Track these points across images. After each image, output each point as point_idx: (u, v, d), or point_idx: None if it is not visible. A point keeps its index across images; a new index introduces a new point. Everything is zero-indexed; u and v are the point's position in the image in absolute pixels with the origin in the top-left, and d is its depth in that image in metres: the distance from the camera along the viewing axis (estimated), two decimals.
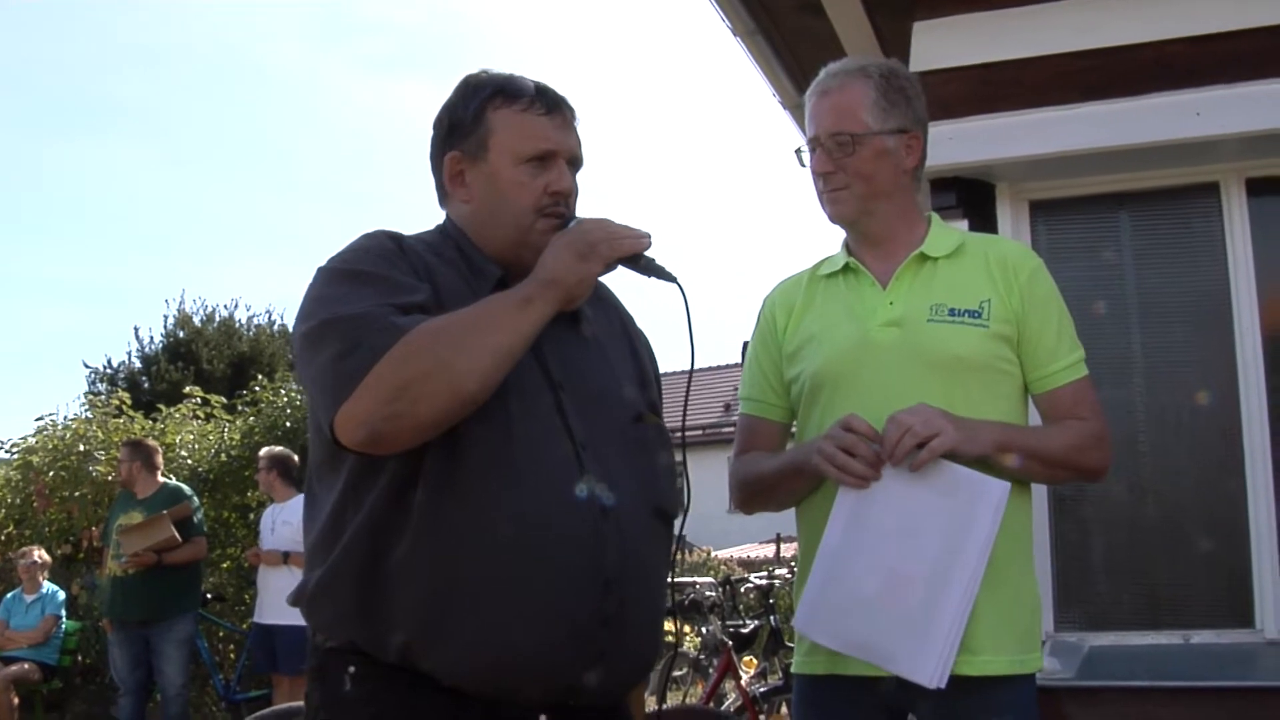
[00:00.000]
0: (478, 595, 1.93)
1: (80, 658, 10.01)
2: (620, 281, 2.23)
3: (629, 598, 2.03)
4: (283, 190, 50.51)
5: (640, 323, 2.44)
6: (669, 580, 2.27)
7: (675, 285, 2.12)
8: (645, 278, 2.11)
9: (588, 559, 1.98)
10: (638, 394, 2.25)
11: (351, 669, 2.00)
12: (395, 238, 2.12)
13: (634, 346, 2.34)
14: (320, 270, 2.07)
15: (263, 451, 8.44)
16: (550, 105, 2.15)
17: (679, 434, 2.34)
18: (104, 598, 7.81)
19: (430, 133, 2.24)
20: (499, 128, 2.13)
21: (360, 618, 1.98)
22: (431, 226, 2.26)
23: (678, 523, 2.25)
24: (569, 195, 2.15)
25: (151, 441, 8.62)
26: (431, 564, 1.94)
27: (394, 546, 1.96)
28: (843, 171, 2.51)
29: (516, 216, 2.13)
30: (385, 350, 1.88)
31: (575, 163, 2.19)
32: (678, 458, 2.30)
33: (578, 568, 1.97)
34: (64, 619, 9.58)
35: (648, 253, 2.10)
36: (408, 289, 2.00)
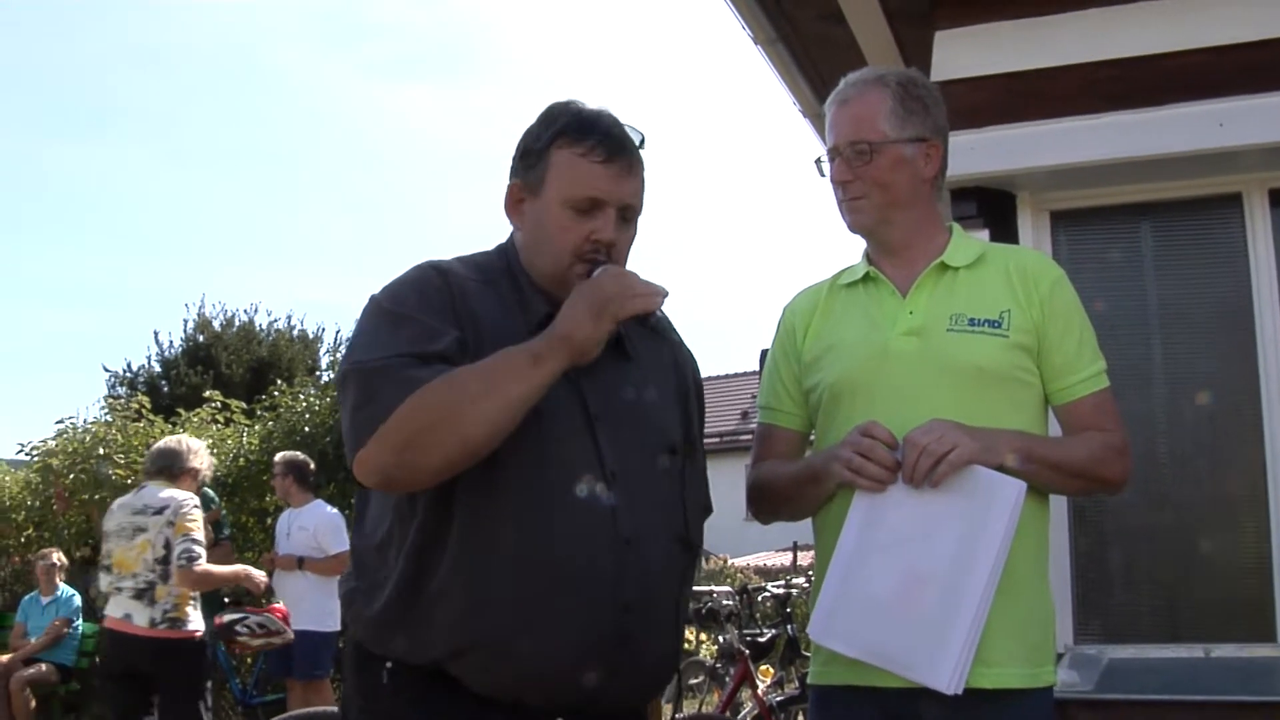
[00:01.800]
0: (506, 619, 2.05)
1: (98, 660, 10.05)
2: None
3: (646, 621, 2.13)
4: (288, 191, 50.62)
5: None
6: (687, 603, 2.38)
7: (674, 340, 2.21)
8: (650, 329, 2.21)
9: (609, 586, 2.08)
10: (677, 420, 2.32)
11: (389, 664, 2.13)
12: (443, 271, 2.19)
13: (680, 372, 2.40)
14: (370, 301, 2.18)
15: (278, 457, 8.46)
16: (611, 152, 2.18)
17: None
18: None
19: (516, 147, 2.29)
20: (557, 167, 2.18)
21: (398, 631, 2.11)
22: (492, 246, 2.34)
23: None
24: (611, 245, 2.19)
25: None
26: (465, 587, 2.06)
27: (432, 568, 2.08)
28: (861, 180, 2.51)
29: (556, 257, 2.19)
30: (399, 403, 1.99)
31: (629, 211, 2.22)
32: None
33: (599, 595, 2.08)
34: (79, 621, 9.61)
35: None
36: (435, 335, 2.08)
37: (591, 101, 2.26)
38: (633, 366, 2.28)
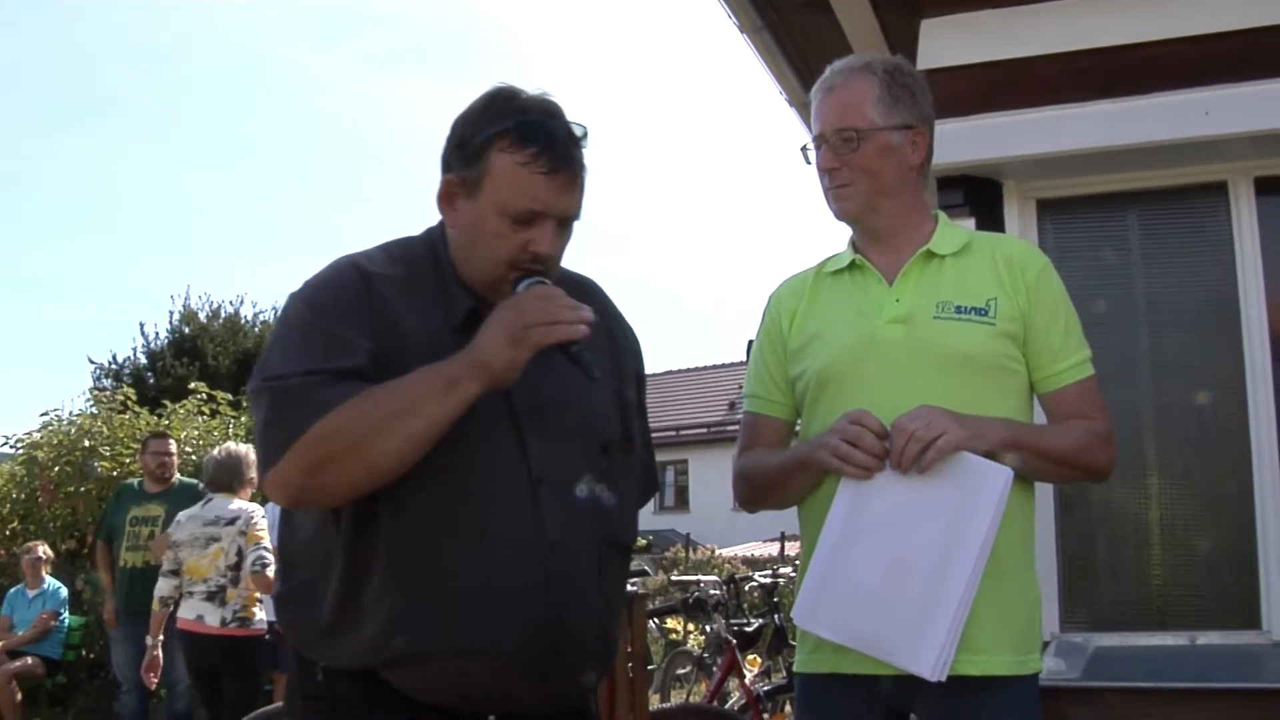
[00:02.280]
0: (431, 631, 2.03)
1: (84, 653, 10.02)
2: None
3: (576, 626, 2.10)
4: (287, 186, 50.63)
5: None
6: (620, 606, 2.35)
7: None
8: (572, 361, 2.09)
9: (535, 597, 2.04)
10: (611, 412, 2.26)
11: (322, 664, 2.13)
12: (365, 275, 2.12)
13: (618, 357, 2.33)
14: (289, 299, 2.14)
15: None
16: (555, 163, 2.07)
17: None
18: (122, 589, 7.75)
19: (448, 130, 2.19)
20: (497, 172, 2.07)
21: (329, 641, 2.10)
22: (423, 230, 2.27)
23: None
24: (548, 258, 2.12)
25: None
26: (391, 599, 2.04)
27: (359, 579, 2.06)
28: (847, 168, 2.50)
29: (491, 265, 2.11)
30: (309, 426, 1.95)
31: (568, 221, 2.15)
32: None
33: (527, 603, 2.04)
34: (66, 614, 9.58)
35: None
36: (349, 349, 2.02)
37: (535, 88, 2.16)
38: (565, 358, 2.15)
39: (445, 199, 2.16)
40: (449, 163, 2.15)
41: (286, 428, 1.97)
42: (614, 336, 2.35)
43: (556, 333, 1.99)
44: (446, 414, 1.97)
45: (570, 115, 2.15)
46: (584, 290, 2.30)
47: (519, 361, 1.99)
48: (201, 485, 8.28)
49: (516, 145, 2.06)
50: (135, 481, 8.29)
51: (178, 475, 8.25)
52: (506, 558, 2.04)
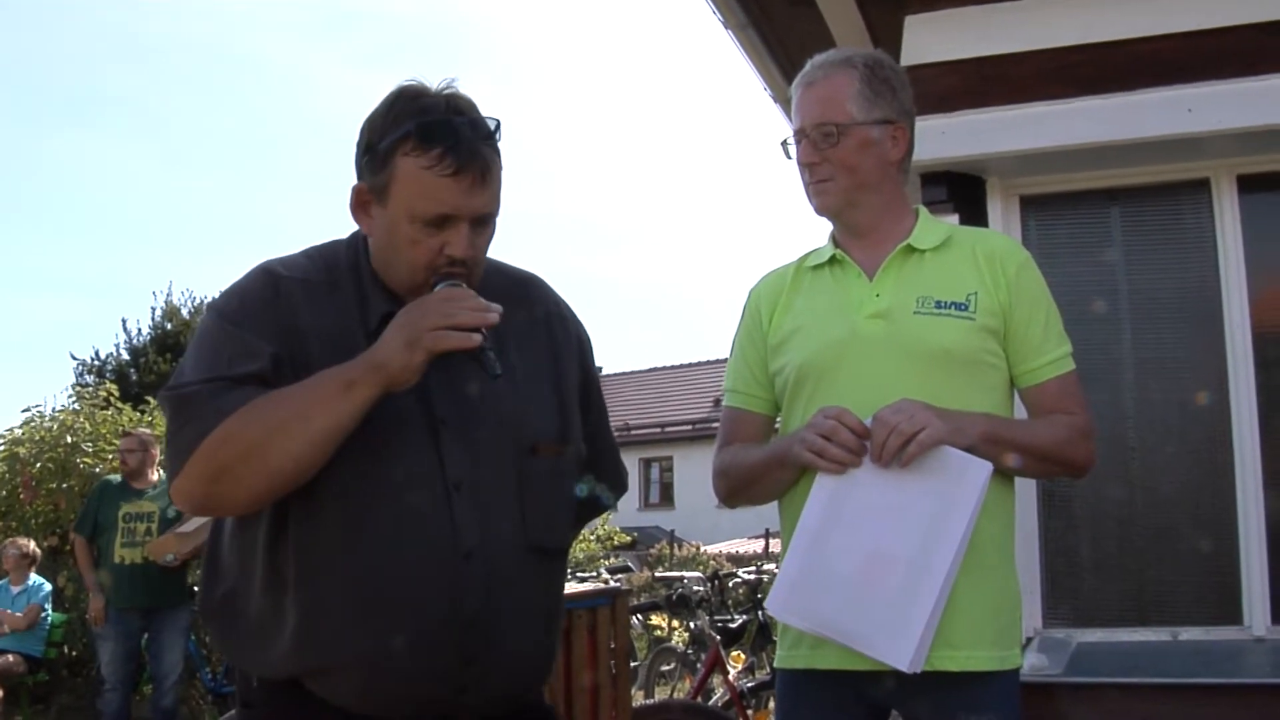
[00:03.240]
0: (344, 638, 2.01)
1: (67, 650, 9.98)
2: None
3: (497, 635, 2.06)
4: (271, 182, 50.57)
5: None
6: (554, 611, 2.27)
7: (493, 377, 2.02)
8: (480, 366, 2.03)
9: (445, 604, 2.01)
10: (546, 414, 2.20)
11: (255, 679, 2.12)
12: (276, 279, 2.09)
13: (557, 356, 2.27)
14: (206, 308, 2.16)
15: None
16: (461, 163, 1.99)
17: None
18: (112, 585, 7.72)
19: (357, 134, 2.12)
20: (402, 178, 2.01)
21: (250, 652, 2.10)
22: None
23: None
24: (464, 260, 2.05)
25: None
26: (302, 610, 2.02)
27: (271, 588, 2.04)
28: (827, 163, 2.49)
29: (410, 271, 2.06)
30: (207, 434, 1.93)
31: (482, 220, 2.07)
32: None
33: (436, 612, 2.01)
34: (49, 611, 9.54)
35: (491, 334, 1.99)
36: (251, 354, 2.00)
37: (443, 80, 2.08)
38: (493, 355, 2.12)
39: (358, 208, 2.11)
40: (359, 169, 2.10)
41: (184, 437, 1.96)
42: (554, 334, 2.29)
43: (450, 341, 1.93)
44: (344, 416, 1.93)
45: (481, 109, 2.08)
46: (524, 288, 2.28)
47: (415, 364, 1.94)
48: None
49: (420, 148, 1.99)
50: (115, 477, 8.25)
51: (161, 471, 8.22)
52: (418, 566, 2.00)
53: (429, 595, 2.00)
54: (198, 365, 2.02)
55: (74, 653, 10.01)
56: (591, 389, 2.35)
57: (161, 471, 8.21)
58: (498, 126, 2.07)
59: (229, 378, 1.98)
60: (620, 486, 2.43)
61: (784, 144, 2.59)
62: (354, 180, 2.11)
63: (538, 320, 2.27)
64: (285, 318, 2.05)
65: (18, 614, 9.25)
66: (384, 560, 1.99)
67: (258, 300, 2.06)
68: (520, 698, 2.21)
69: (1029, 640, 3.79)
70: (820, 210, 2.56)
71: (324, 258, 2.16)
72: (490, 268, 2.17)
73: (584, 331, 2.37)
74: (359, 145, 2.10)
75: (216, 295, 2.15)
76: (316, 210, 48.49)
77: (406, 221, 2.02)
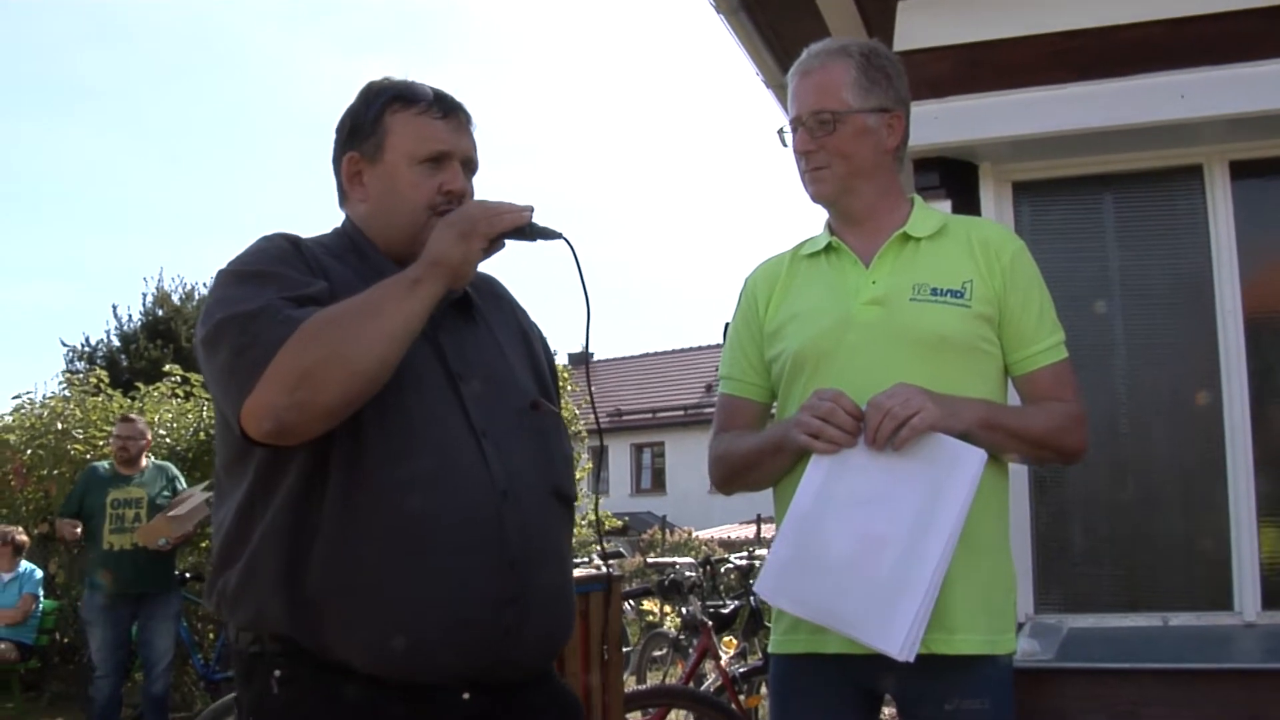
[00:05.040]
0: (386, 584, 1.99)
1: (59, 637, 9.97)
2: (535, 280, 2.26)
3: (534, 577, 2.10)
4: (255, 169, 50.39)
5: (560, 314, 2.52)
6: (571, 562, 2.34)
7: (564, 241, 2.14)
8: (533, 242, 2.13)
9: (491, 542, 2.05)
10: (532, 382, 2.31)
11: (277, 672, 2.04)
12: (292, 239, 2.17)
13: (528, 339, 2.40)
14: (219, 274, 2.11)
15: None
16: (446, 110, 2.22)
17: (597, 421, 2.42)
18: (105, 570, 7.69)
19: (333, 136, 2.29)
20: (396, 130, 2.19)
21: (283, 611, 2.01)
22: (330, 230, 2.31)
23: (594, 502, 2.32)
24: (462, 195, 2.20)
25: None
26: (342, 555, 1.99)
27: (309, 539, 2.01)
28: (824, 150, 2.50)
29: (411, 214, 2.18)
30: (282, 342, 1.92)
31: (470, 165, 2.25)
32: (579, 427, 2.37)
33: (482, 551, 2.04)
34: (41, 598, 9.53)
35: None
36: (302, 283, 2.05)
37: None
38: (482, 327, 2.28)
39: (352, 179, 2.24)
40: (346, 148, 2.24)
41: (259, 347, 1.93)
42: (520, 321, 2.43)
43: (506, 220, 2.06)
44: (414, 314, 1.98)
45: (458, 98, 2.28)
46: (490, 287, 2.40)
47: (473, 255, 2.04)
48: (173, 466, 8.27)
49: (407, 102, 2.20)
50: (103, 464, 8.21)
51: (150, 458, 8.21)
52: (466, 505, 2.04)
53: (480, 533, 2.04)
54: (242, 299, 2.00)
55: (66, 640, 10.01)
56: (555, 379, 2.47)
57: (150, 458, 8.19)
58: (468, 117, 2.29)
59: (289, 298, 2.00)
60: None
61: (780, 132, 2.60)
62: (334, 179, 2.27)
63: (506, 310, 2.41)
64: (314, 266, 2.11)
65: (8, 609, 9.23)
66: (434, 499, 2.02)
67: (285, 251, 2.12)
68: (549, 657, 2.25)
69: (1020, 626, 3.80)
70: (816, 198, 2.57)
71: (318, 240, 2.23)
72: None
73: (543, 334, 2.51)
74: (340, 132, 2.26)
75: (230, 263, 2.11)
76: (301, 196, 48.45)
77: (406, 165, 2.18)
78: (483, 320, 2.29)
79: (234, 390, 1.96)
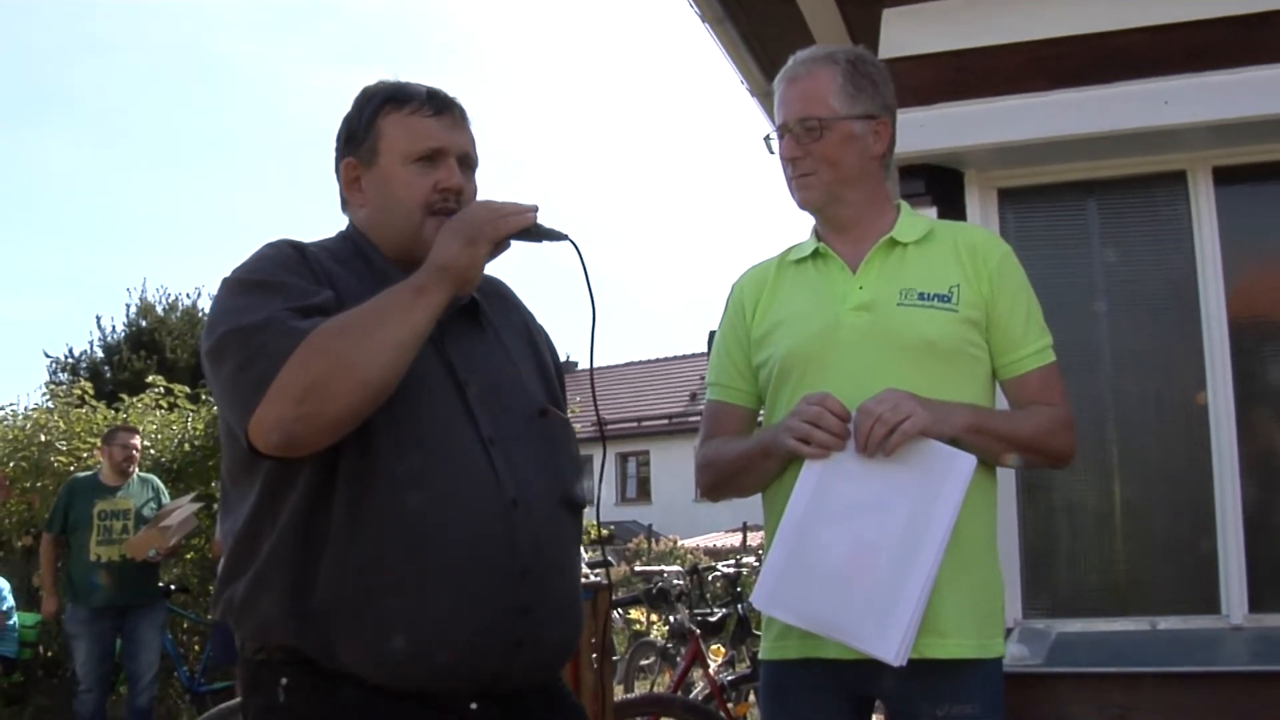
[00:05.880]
0: (394, 595, 1.98)
1: (42, 650, 9.90)
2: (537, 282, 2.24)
3: (544, 585, 2.09)
4: (243, 179, 50.29)
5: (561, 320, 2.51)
6: (580, 569, 2.33)
7: (569, 243, 2.13)
8: (539, 243, 2.12)
9: (501, 550, 2.04)
10: (540, 388, 2.30)
11: (284, 680, 2.02)
12: (297, 246, 2.15)
13: (535, 344, 2.39)
14: (224, 282, 2.10)
15: None
16: (439, 107, 2.20)
17: (598, 428, 2.41)
18: (86, 584, 7.63)
19: (334, 144, 2.28)
20: (389, 131, 2.18)
21: (290, 622, 2.00)
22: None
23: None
24: (458, 191, 2.17)
25: None
26: (351, 566, 1.98)
27: (316, 550, 2.00)
28: (810, 157, 2.51)
29: (407, 214, 2.17)
30: (288, 354, 1.91)
31: (467, 161, 2.23)
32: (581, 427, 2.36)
33: (492, 560, 2.03)
34: (13, 611, 9.40)
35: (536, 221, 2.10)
36: (308, 293, 2.03)
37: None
38: (490, 333, 2.27)
39: (349, 184, 2.24)
40: (343, 154, 2.24)
41: (265, 360, 1.92)
42: (529, 327, 2.41)
43: (511, 223, 2.04)
44: (419, 322, 1.97)
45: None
46: (500, 287, 2.40)
47: (480, 259, 2.02)
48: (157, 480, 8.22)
49: (398, 103, 2.19)
50: (87, 475, 8.15)
51: (136, 470, 8.16)
52: (475, 515, 2.02)
53: (488, 541, 2.02)
54: (247, 310, 1.99)
55: (50, 653, 9.93)
56: (563, 390, 2.45)
57: (135, 470, 8.14)
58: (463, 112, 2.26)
59: (295, 309, 1.98)
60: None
61: (766, 139, 2.61)
62: (331, 189, 2.25)
63: (514, 314, 2.39)
64: (321, 275, 2.09)
65: None
66: (442, 509, 2.00)
67: (290, 259, 2.11)
68: (559, 666, 2.23)
69: (1009, 631, 3.80)
70: (803, 204, 2.57)
71: (323, 245, 2.22)
72: None
73: (550, 339, 2.48)
74: (338, 140, 2.25)
75: (234, 271, 2.10)
76: (285, 207, 48.33)
77: (400, 165, 2.16)
78: (490, 326, 2.28)
79: (240, 404, 1.95)
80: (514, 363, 2.26)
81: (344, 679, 1.98)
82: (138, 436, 8.11)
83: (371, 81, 2.27)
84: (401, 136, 2.17)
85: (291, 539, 2.01)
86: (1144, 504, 4.06)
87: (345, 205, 2.28)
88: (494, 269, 2.18)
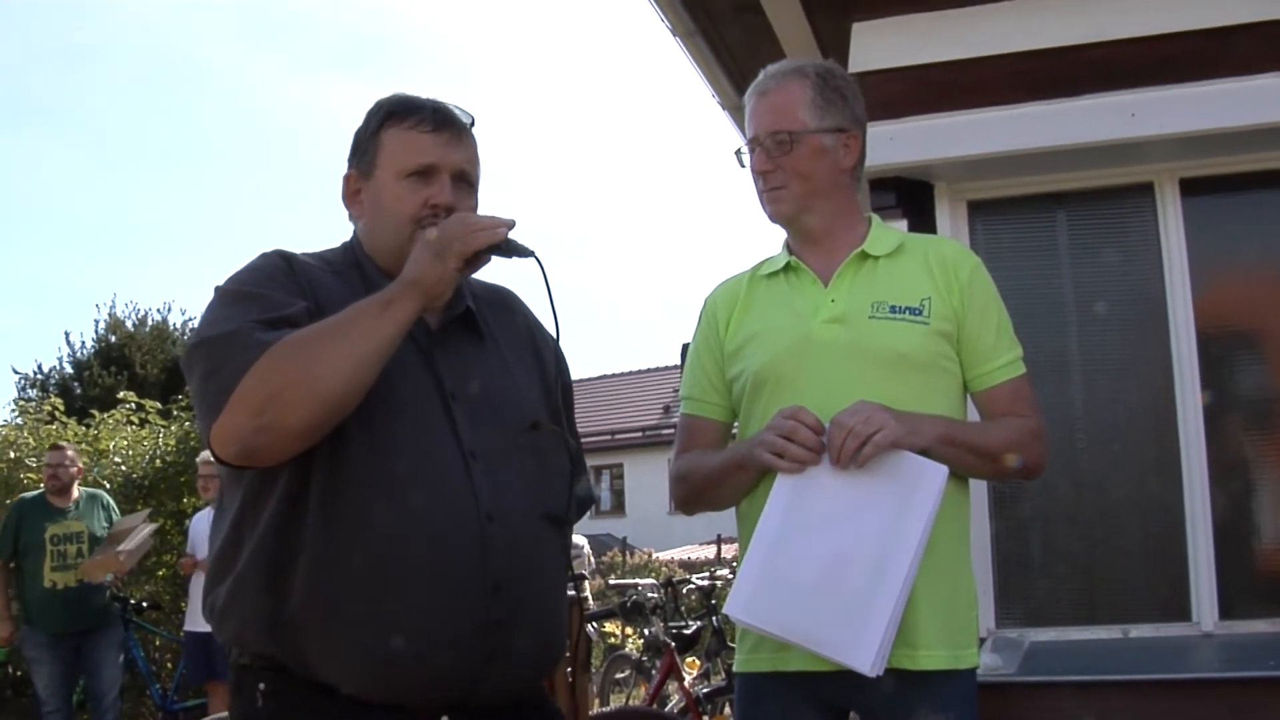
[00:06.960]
0: (366, 605, 1.98)
1: (10, 670, 9.80)
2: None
3: (519, 601, 2.08)
4: (215, 191, 50.04)
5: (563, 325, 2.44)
6: (566, 581, 2.31)
7: (534, 260, 2.12)
8: (509, 259, 2.11)
9: (473, 565, 2.03)
10: (539, 400, 2.29)
11: (261, 686, 2.04)
12: (286, 256, 2.16)
13: (540, 355, 2.37)
14: (215, 290, 2.12)
15: (207, 455, 8.28)
16: (439, 122, 2.19)
17: (592, 438, 2.38)
18: (42, 610, 7.54)
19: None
20: (387, 145, 2.19)
21: (264, 630, 2.02)
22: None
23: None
24: (449, 208, 2.16)
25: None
26: (324, 576, 1.99)
27: (291, 559, 2.00)
28: (781, 170, 2.52)
29: (396, 228, 2.17)
30: (249, 366, 1.91)
31: (464, 178, 2.22)
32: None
33: (463, 575, 2.02)
34: None
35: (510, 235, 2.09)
36: (280, 304, 2.03)
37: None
38: (488, 343, 2.26)
39: (349, 196, 2.26)
40: (348, 166, 2.26)
41: (226, 372, 1.93)
42: (534, 336, 2.40)
43: (481, 238, 2.03)
44: (385, 335, 1.96)
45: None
46: (506, 296, 2.40)
47: (449, 274, 2.01)
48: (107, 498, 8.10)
49: (401, 117, 2.20)
50: (35, 494, 7.99)
51: (80, 487, 8.03)
52: (447, 527, 2.02)
53: (458, 555, 2.01)
54: (219, 321, 2.01)
55: (18, 673, 9.83)
56: (568, 394, 2.43)
57: (79, 488, 7.98)
58: (473, 121, 2.26)
59: (264, 320, 1.99)
60: (587, 501, 2.44)
61: (738, 153, 2.62)
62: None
63: (519, 322, 2.39)
64: (305, 286, 2.10)
65: None
66: (413, 522, 2.00)
67: (276, 270, 2.12)
68: (533, 682, 2.22)
69: (983, 641, 3.82)
70: (774, 217, 2.59)
71: (323, 255, 2.24)
72: (473, 279, 2.25)
73: (558, 346, 2.43)
74: (350, 151, 2.27)
75: (224, 280, 2.11)
76: (261, 219, 48.10)
77: (393, 179, 2.17)
78: (489, 336, 2.27)
79: (203, 414, 1.98)
80: (511, 374, 2.25)
81: (318, 687, 1.99)
82: (65, 453, 7.92)
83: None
84: (398, 151, 2.18)
85: (269, 546, 2.02)
86: (1114, 512, 4.08)
87: (350, 217, 2.30)
88: (499, 278, 2.19)
